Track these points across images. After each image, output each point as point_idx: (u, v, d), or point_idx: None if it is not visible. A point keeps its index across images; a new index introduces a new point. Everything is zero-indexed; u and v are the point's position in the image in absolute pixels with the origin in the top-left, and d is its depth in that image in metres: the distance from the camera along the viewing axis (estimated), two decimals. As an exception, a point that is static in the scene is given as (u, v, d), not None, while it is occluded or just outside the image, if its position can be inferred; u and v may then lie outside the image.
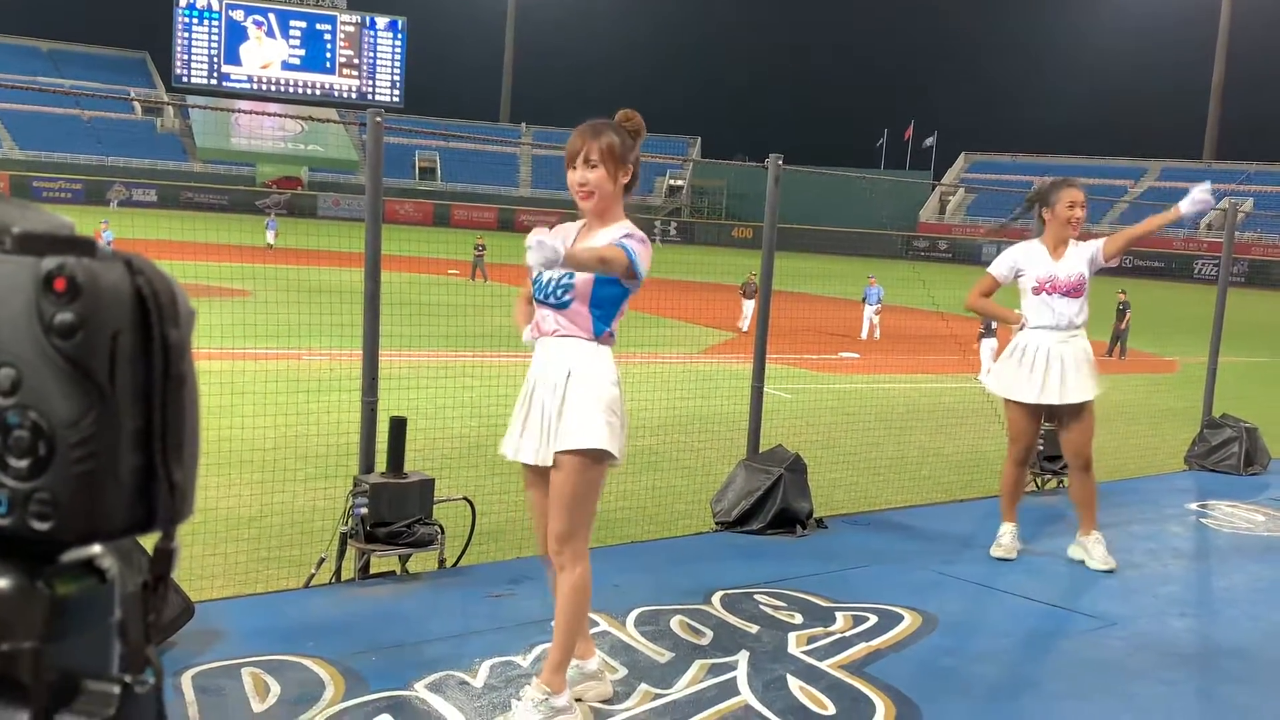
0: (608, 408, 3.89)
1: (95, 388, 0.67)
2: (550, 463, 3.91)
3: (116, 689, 0.69)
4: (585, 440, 3.85)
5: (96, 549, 0.72)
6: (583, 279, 3.86)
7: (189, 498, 0.71)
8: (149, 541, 0.75)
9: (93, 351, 0.67)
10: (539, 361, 3.99)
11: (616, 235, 3.89)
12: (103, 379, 0.67)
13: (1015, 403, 6.41)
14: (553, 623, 4.07)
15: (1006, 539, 6.59)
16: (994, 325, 19.53)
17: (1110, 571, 6.32)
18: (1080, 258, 6.34)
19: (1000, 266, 6.47)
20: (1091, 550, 6.45)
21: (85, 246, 0.68)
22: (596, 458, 3.89)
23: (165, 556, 0.73)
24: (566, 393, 3.87)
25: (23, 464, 0.68)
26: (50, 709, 0.67)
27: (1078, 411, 6.33)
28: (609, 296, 3.92)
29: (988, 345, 19.57)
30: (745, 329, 22.12)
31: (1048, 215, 6.38)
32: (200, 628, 4.57)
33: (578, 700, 4.16)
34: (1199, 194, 6.20)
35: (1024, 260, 6.38)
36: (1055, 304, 6.28)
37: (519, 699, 4.03)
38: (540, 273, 3.93)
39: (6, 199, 0.72)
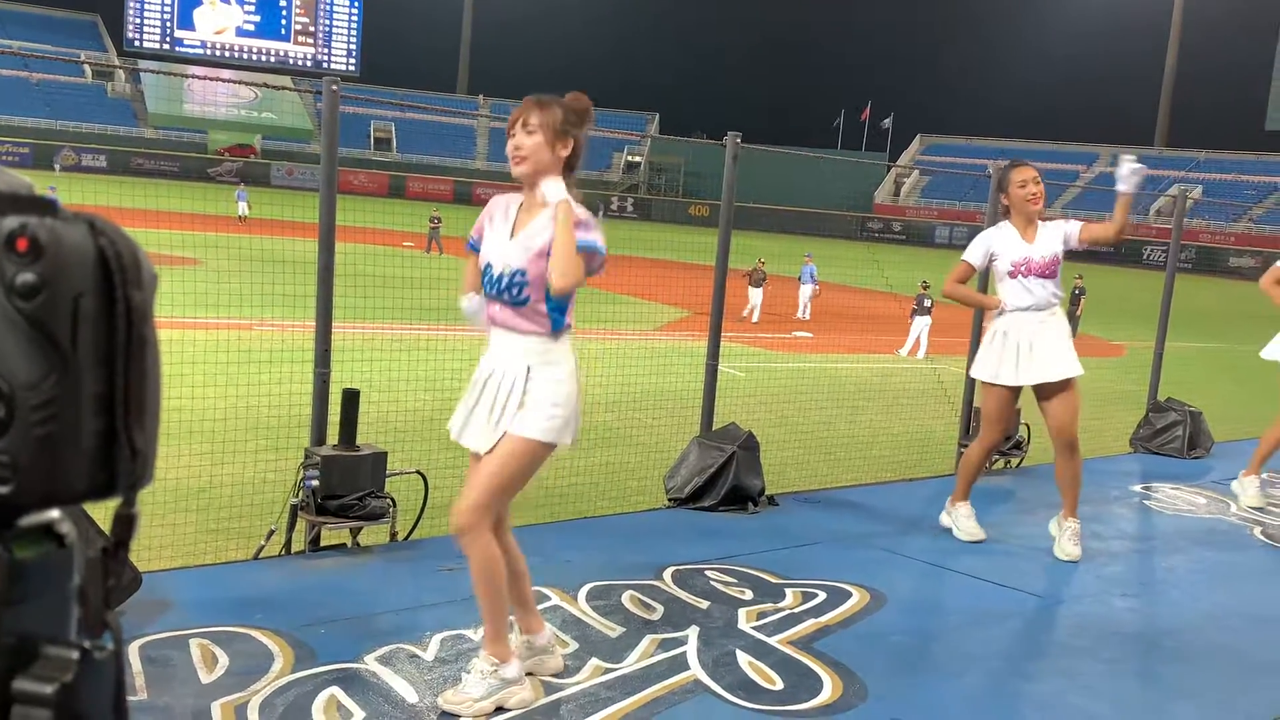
0: (564, 402, 3.88)
1: (57, 350, 0.66)
2: (477, 445, 3.90)
3: (75, 654, 0.68)
4: (533, 432, 3.83)
5: (55, 513, 0.71)
6: (537, 274, 3.80)
7: (150, 463, 0.70)
8: (101, 509, 0.74)
9: (55, 313, 0.66)
10: (495, 353, 3.93)
11: (543, 235, 3.82)
12: (65, 341, 0.66)
13: (997, 388, 6.41)
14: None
15: (971, 522, 6.62)
16: (928, 304, 19.82)
17: (1072, 562, 6.33)
18: (1054, 238, 6.38)
19: (974, 253, 6.48)
20: (1063, 537, 6.47)
21: (48, 207, 0.67)
22: (542, 447, 3.89)
23: (126, 522, 0.72)
24: (526, 388, 3.84)
25: None
26: (7, 673, 0.67)
27: (1064, 388, 6.34)
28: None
29: (920, 323, 19.83)
30: (755, 319, 21.61)
31: (1005, 199, 6.43)
32: (148, 598, 4.54)
33: (529, 675, 4.17)
34: (1126, 170, 6.17)
35: (997, 244, 6.40)
36: (1032, 285, 6.33)
37: (468, 671, 4.03)
38: (490, 264, 3.90)
39: None
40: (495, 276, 3.86)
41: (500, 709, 3.97)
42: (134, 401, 0.69)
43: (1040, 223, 6.43)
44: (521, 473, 3.90)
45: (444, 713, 3.93)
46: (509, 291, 3.83)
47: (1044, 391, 6.39)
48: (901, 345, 19.44)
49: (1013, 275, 6.35)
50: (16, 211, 0.66)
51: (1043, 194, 6.38)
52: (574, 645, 4.56)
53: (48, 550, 0.70)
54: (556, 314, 3.87)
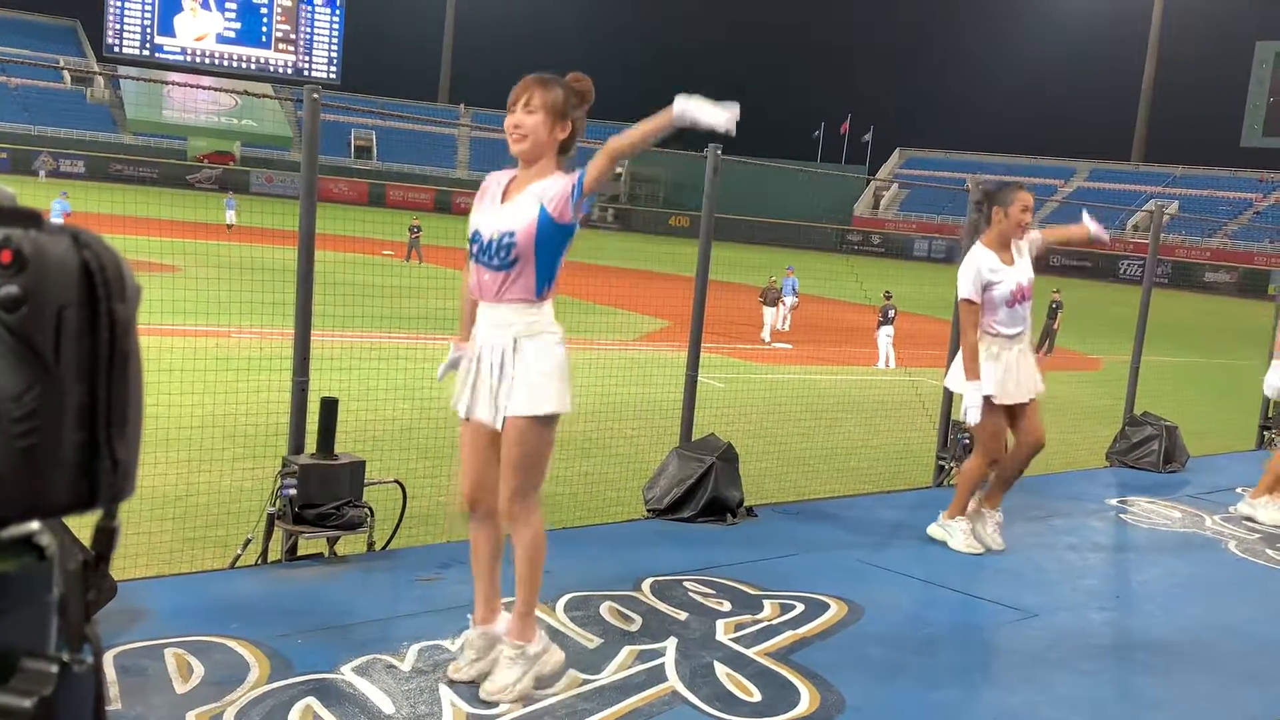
0: (555, 371, 3.99)
1: (40, 362, 0.65)
2: (482, 418, 4.01)
3: (54, 668, 0.68)
4: (535, 407, 3.95)
5: (35, 525, 0.71)
6: (524, 234, 3.89)
7: (131, 475, 0.70)
8: (79, 521, 0.74)
9: (38, 325, 0.65)
10: (485, 325, 4.03)
11: (555, 183, 3.94)
12: (47, 353, 0.66)
13: (1001, 405, 6.46)
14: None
15: (969, 536, 6.63)
16: (891, 314, 19.98)
17: (976, 554, 6.53)
18: (1028, 260, 6.53)
19: (973, 288, 6.41)
20: (994, 530, 6.66)
21: (32, 219, 0.66)
22: (546, 420, 4.00)
23: (107, 535, 0.71)
24: (516, 361, 3.94)
25: None
26: (-14, 686, 0.66)
27: (1029, 405, 6.56)
28: (552, 244, 3.96)
29: (885, 334, 19.98)
30: (769, 340, 21.39)
31: (999, 215, 6.45)
32: (122, 607, 4.50)
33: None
34: (1094, 228, 6.80)
35: (988, 272, 6.40)
36: (1022, 311, 6.48)
37: (498, 663, 4.12)
38: (478, 232, 3.99)
39: None
40: (485, 243, 3.96)
41: (540, 682, 4.12)
42: (116, 414, 0.68)
43: (1015, 244, 6.53)
44: (537, 450, 4.02)
45: (485, 703, 4.03)
46: (498, 255, 3.92)
47: (1016, 408, 6.55)
48: (877, 359, 19.61)
49: (1010, 304, 6.42)
50: (0, 223, 0.66)
51: (1028, 225, 6.53)
52: (552, 656, 4.54)
53: (27, 562, 0.69)
54: (542, 273, 3.95)
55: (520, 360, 3.94)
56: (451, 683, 4.20)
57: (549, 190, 3.94)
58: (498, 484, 4.09)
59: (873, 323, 20.25)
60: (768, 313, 21.96)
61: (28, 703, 0.65)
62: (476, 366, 4.03)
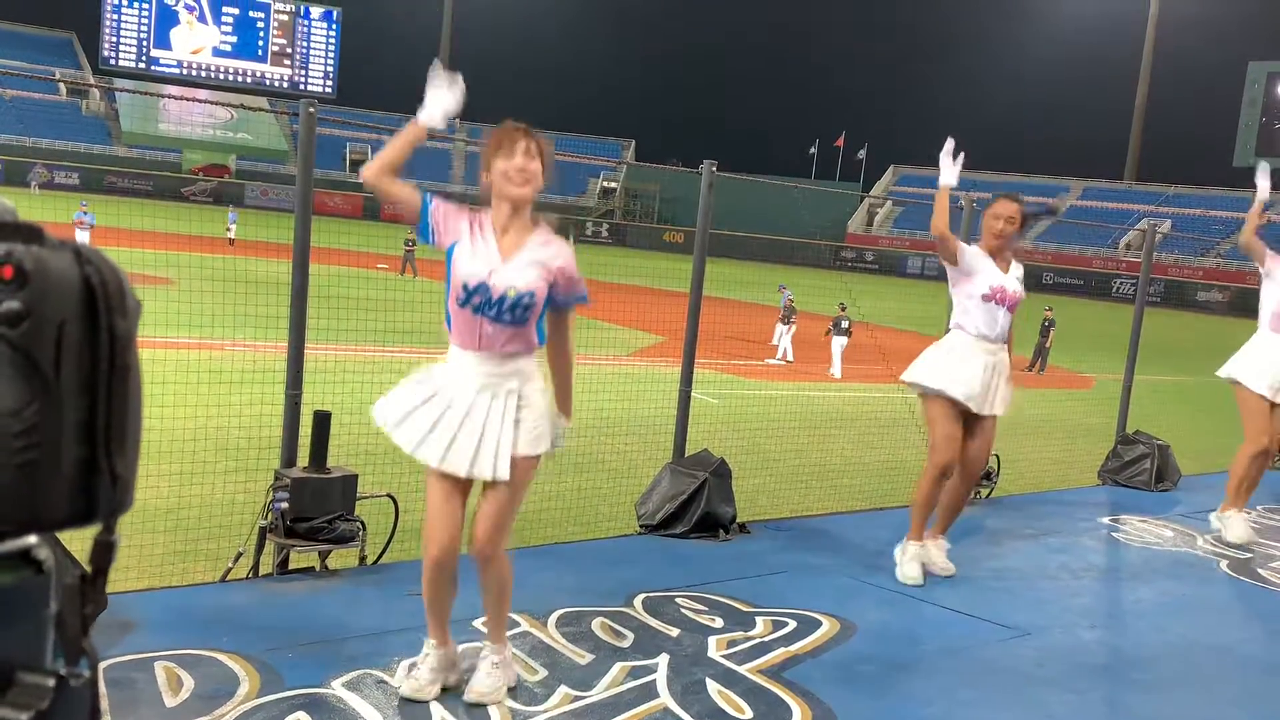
0: (545, 412, 4.13)
1: (40, 377, 0.65)
2: (488, 475, 4.00)
3: (51, 681, 0.68)
4: (538, 447, 4.07)
5: (33, 539, 0.71)
6: (543, 295, 3.98)
7: (130, 490, 0.70)
8: (71, 536, 0.74)
9: (39, 340, 0.65)
10: (481, 375, 3.98)
11: (567, 260, 4.04)
12: (48, 368, 0.66)
13: (945, 402, 6.19)
14: (482, 616, 4.39)
15: (917, 566, 6.34)
16: (846, 324, 20.03)
17: (915, 585, 6.23)
18: (1021, 279, 6.38)
19: (962, 247, 6.28)
20: (940, 555, 6.49)
21: (33, 234, 0.67)
22: (538, 459, 4.13)
23: (106, 549, 0.72)
24: (520, 406, 4.01)
25: None
26: (-18, 701, 0.66)
27: (987, 423, 6.30)
28: (547, 301, 4.08)
29: (837, 343, 20.04)
30: (790, 358, 21.03)
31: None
32: (113, 620, 4.49)
33: (444, 689, 4.31)
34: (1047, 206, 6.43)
35: (980, 262, 6.26)
36: (999, 315, 6.23)
37: (481, 668, 4.28)
38: (485, 285, 3.93)
39: None
40: (497, 299, 3.91)
41: (509, 688, 4.33)
42: (115, 429, 0.68)
43: (1013, 261, 6.40)
44: (527, 489, 4.17)
45: (473, 705, 4.18)
46: (513, 312, 3.93)
47: (972, 423, 6.28)
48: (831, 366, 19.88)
49: (986, 299, 6.20)
50: (1, 239, 0.66)
51: (1007, 235, 6.27)
52: (543, 672, 4.54)
53: (25, 576, 0.69)
54: (539, 327, 4.07)
55: (524, 404, 4.02)
56: (409, 699, 4.23)
57: (566, 269, 4.04)
58: (460, 528, 4.13)
59: (868, 339, 20.27)
60: (782, 331, 21.81)
61: (24, 716, 0.65)
62: (460, 416, 3.96)
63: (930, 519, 6.49)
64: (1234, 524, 7.86)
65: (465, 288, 3.94)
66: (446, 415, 3.98)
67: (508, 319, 3.92)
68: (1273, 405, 7.64)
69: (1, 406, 0.64)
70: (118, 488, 0.70)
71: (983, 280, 6.22)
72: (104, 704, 3.89)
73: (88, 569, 0.73)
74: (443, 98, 4.00)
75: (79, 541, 0.82)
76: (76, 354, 0.66)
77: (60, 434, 0.66)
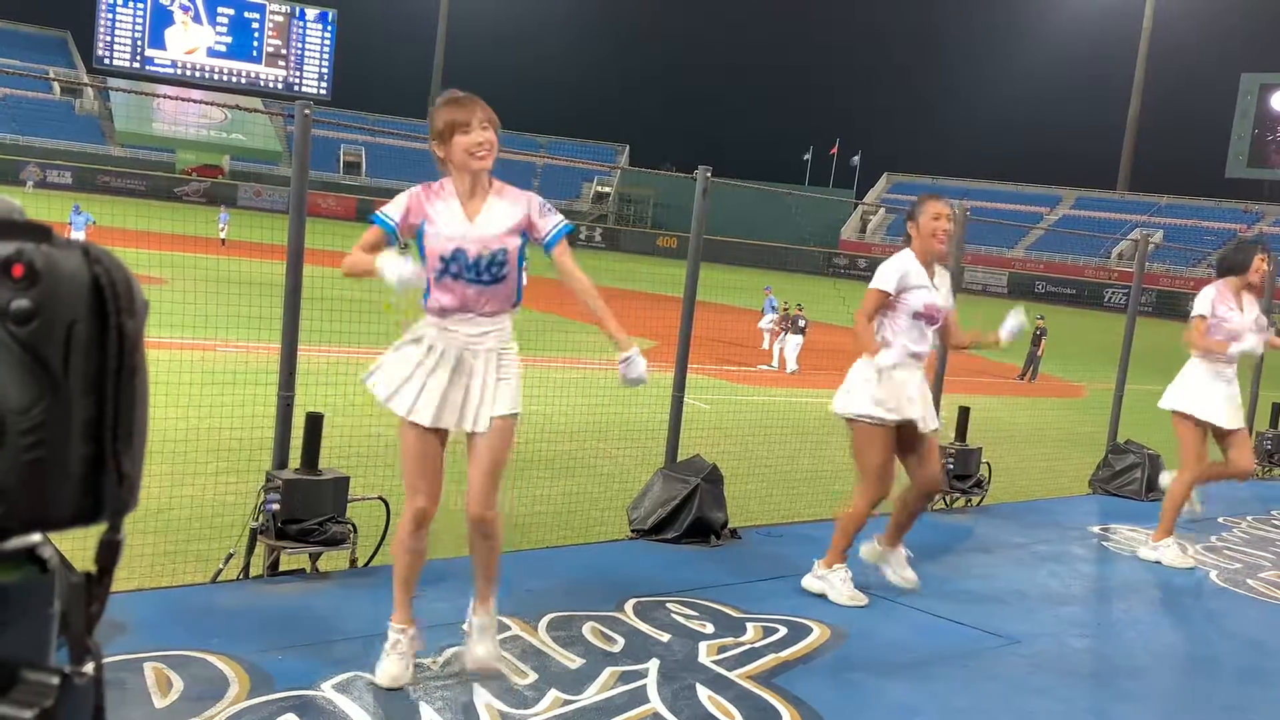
0: (519, 370, 4.33)
1: (49, 376, 0.66)
2: (482, 427, 4.20)
3: (55, 679, 0.68)
4: (517, 406, 4.28)
5: (37, 537, 0.71)
6: (514, 250, 4.19)
7: (136, 489, 0.71)
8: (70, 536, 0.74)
9: (48, 339, 0.66)
10: (463, 336, 4.19)
11: (529, 205, 4.28)
12: (57, 367, 0.66)
13: (880, 430, 5.82)
14: (475, 586, 4.49)
15: (849, 585, 6.04)
16: (802, 324, 20.08)
17: (860, 606, 5.95)
18: (947, 290, 6.06)
19: (889, 281, 5.86)
20: (902, 567, 6.24)
21: (43, 233, 0.67)
22: (515, 419, 4.32)
23: (112, 548, 0.72)
24: (500, 365, 4.22)
25: None
26: (-13, 698, 0.66)
27: (929, 439, 6.02)
28: (523, 252, 4.29)
29: (793, 342, 20.08)
30: (796, 369, 20.64)
31: (913, 230, 5.98)
32: (103, 619, 4.47)
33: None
34: (1012, 322, 6.00)
35: (911, 277, 5.87)
36: (928, 332, 5.96)
37: (483, 637, 4.44)
38: (460, 250, 4.12)
39: None
40: (472, 260, 4.13)
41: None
42: (123, 428, 0.69)
43: (938, 269, 6.07)
44: (511, 449, 4.32)
45: (479, 671, 4.38)
46: (490, 270, 4.14)
47: (913, 442, 5.96)
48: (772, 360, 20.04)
49: (918, 317, 5.85)
50: (11, 237, 0.66)
51: (952, 235, 6.01)
52: (533, 676, 4.54)
53: (29, 574, 0.70)
54: (519, 280, 4.26)
55: (504, 362, 4.23)
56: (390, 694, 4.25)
57: (530, 211, 4.28)
58: (440, 490, 4.36)
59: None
60: (791, 340, 21.70)
61: (28, 714, 0.66)
62: (446, 376, 4.18)
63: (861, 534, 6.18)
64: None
65: (441, 258, 4.15)
66: (434, 378, 4.20)
67: (487, 279, 4.15)
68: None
69: (10, 404, 0.65)
70: (124, 486, 0.70)
71: (919, 296, 5.86)
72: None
73: (80, 570, 0.74)
74: (393, 267, 4.00)
75: (66, 542, 0.82)
76: (85, 353, 0.67)
77: (68, 433, 0.66)
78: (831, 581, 6.03)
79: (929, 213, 5.93)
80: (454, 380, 4.19)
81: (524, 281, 4.32)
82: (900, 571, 6.26)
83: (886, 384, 5.78)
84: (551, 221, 4.30)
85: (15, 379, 0.66)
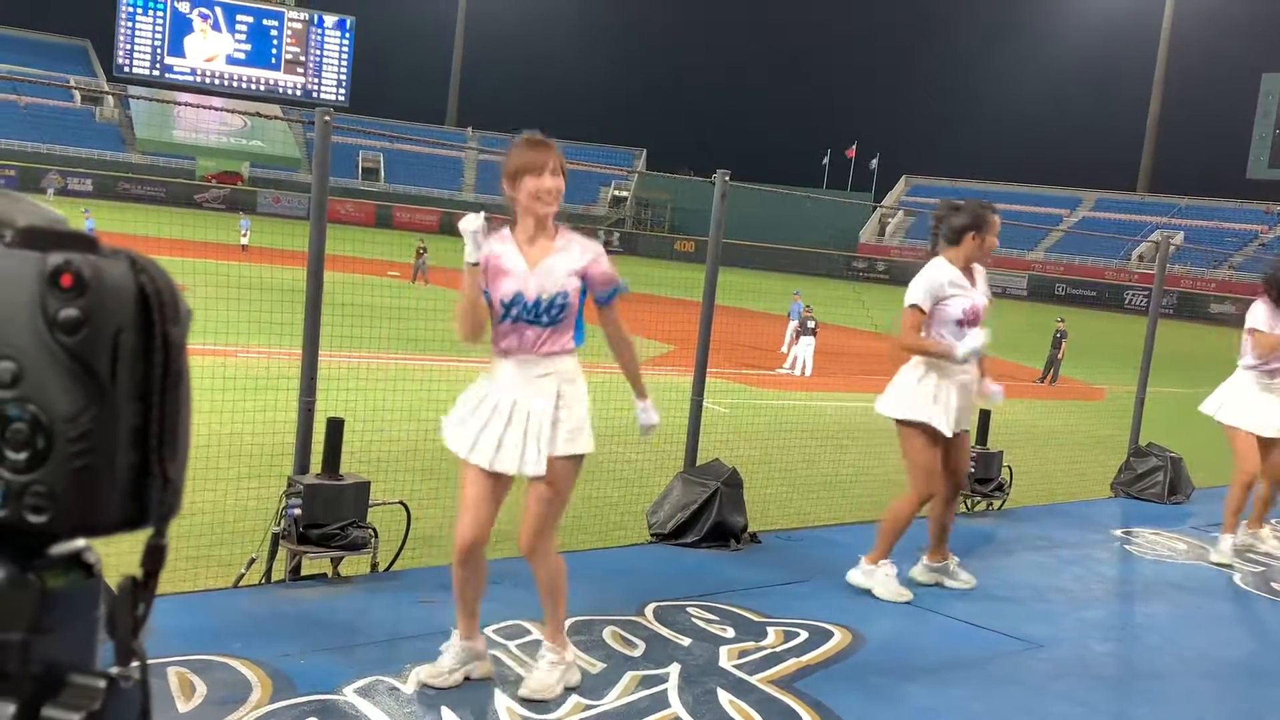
0: (588, 413, 4.32)
1: (96, 384, 0.67)
2: (532, 471, 4.20)
3: (102, 683, 0.69)
4: (582, 446, 4.27)
5: (82, 542, 0.72)
6: (576, 294, 4.23)
7: (180, 494, 0.72)
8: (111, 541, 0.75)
9: (96, 348, 0.67)
10: (522, 378, 4.23)
11: (584, 254, 4.27)
12: (104, 375, 0.67)
13: (931, 433, 5.94)
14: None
15: (894, 582, 6.17)
16: (812, 325, 20.03)
17: (904, 602, 6.08)
18: (987, 287, 6.12)
19: (924, 297, 5.92)
20: (957, 573, 6.44)
21: (89, 243, 0.68)
22: (581, 459, 4.31)
23: (158, 552, 0.73)
24: (561, 405, 4.23)
25: (20, 457, 0.68)
26: (35, 702, 0.67)
27: (964, 436, 6.18)
28: (582, 301, 4.31)
29: (806, 343, 20.02)
30: (808, 373, 20.60)
31: (975, 240, 5.99)
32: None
33: (466, 679, 4.43)
34: (972, 340, 5.89)
35: (949, 286, 5.93)
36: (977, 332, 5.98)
37: (538, 664, 4.46)
38: (520, 294, 4.18)
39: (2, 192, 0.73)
40: (532, 304, 4.19)
41: (566, 688, 4.44)
42: (168, 434, 0.70)
43: (975, 264, 6.11)
44: (570, 488, 4.34)
45: (526, 700, 4.31)
46: (550, 313, 4.20)
47: (949, 439, 6.05)
48: (788, 362, 19.97)
49: (962, 324, 5.91)
50: (59, 247, 0.68)
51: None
52: (555, 680, 4.54)
53: (76, 579, 0.71)
54: (579, 324, 4.31)
55: (566, 402, 4.23)
56: (421, 688, 4.34)
57: (595, 264, 4.30)
58: (491, 526, 4.36)
59: (881, 348, 20.23)
60: (805, 342, 21.67)
61: (76, 717, 0.67)
62: (509, 419, 4.21)
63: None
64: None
65: (504, 304, 4.21)
66: (494, 419, 4.23)
67: (545, 320, 4.20)
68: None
69: (58, 412, 0.66)
70: (169, 491, 0.72)
71: (960, 302, 5.94)
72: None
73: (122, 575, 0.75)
74: (470, 224, 4.18)
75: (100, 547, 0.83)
76: (132, 361, 0.68)
77: (115, 440, 0.67)
78: (875, 576, 6.17)
79: (995, 229, 6.05)
80: (510, 424, 4.22)
81: (583, 325, 4.34)
82: (957, 577, 6.42)
83: (936, 391, 5.94)
84: (615, 281, 4.38)
85: (63, 387, 0.68)
